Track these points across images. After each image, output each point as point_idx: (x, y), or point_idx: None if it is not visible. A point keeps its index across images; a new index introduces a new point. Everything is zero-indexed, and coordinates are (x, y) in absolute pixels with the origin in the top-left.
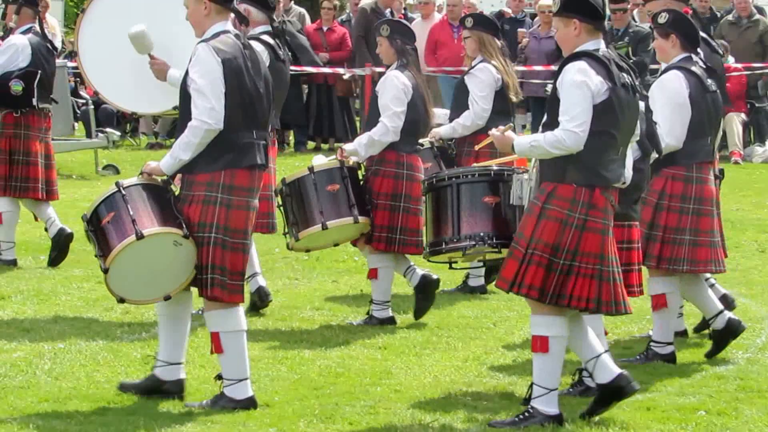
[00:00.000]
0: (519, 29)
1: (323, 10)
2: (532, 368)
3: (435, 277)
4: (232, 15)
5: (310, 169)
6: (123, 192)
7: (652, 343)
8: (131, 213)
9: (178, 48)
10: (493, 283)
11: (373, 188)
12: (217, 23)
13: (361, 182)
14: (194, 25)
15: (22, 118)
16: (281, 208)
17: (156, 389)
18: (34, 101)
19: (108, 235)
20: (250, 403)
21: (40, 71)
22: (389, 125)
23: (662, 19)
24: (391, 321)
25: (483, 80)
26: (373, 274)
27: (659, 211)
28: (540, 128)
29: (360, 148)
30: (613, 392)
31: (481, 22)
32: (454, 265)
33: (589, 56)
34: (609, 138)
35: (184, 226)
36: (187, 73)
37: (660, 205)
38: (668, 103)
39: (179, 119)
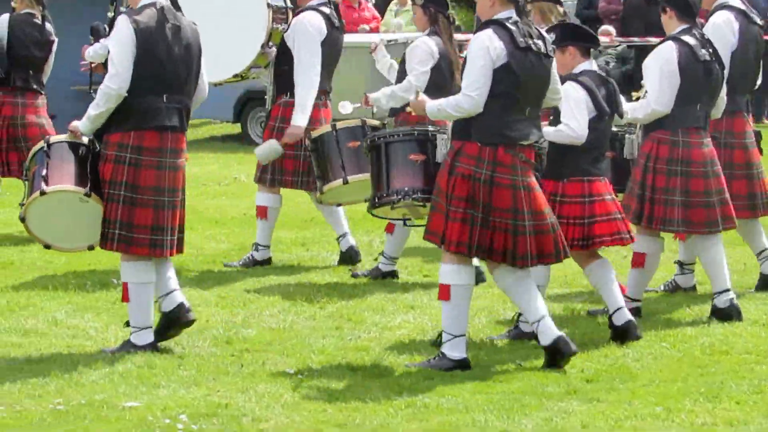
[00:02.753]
0: None
1: None
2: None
3: None
4: None
5: (333, 126)
6: (47, 149)
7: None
8: (47, 169)
9: (238, 19)
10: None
11: None
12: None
13: None
14: (130, 3)
15: None
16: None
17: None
18: None
19: (29, 187)
20: (151, 348)
21: None
22: (414, 82)
23: None
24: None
25: None
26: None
27: (647, 173)
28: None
29: (383, 98)
30: (554, 354)
31: None
32: (407, 222)
33: (497, 24)
34: (510, 99)
35: (89, 183)
36: None
37: (647, 167)
38: (658, 71)
39: None
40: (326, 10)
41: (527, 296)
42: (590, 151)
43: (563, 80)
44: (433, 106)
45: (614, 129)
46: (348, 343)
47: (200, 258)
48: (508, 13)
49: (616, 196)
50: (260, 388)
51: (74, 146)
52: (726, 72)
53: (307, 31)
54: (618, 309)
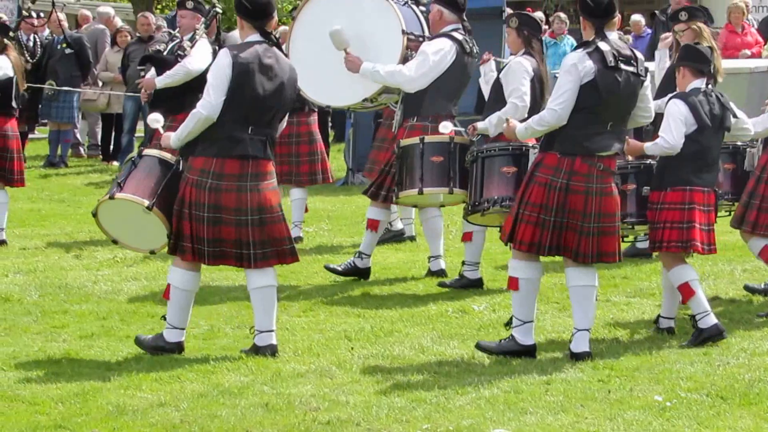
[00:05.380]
0: None
1: None
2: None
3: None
4: None
5: (421, 139)
6: (135, 159)
7: None
8: (126, 177)
9: (374, 45)
10: None
11: None
12: (250, 36)
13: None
14: (240, 37)
15: None
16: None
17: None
18: None
19: (109, 188)
20: (177, 348)
21: None
22: (519, 104)
23: None
24: (479, 283)
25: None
26: (467, 237)
27: (759, 183)
28: None
29: (491, 126)
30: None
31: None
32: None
33: (589, 44)
34: (592, 114)
35: (156, 198)
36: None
37: (761, 177)
38: None
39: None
40: (458, 36)
41: (586, 304)
42: (693, 162)
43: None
44: (522, 127)
45: (738, 143)
46: (716, 370)
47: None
48: (599, 36)
49: (733, 206)
50: (628, 415)
51: (162, 162)
52: None
53: (422, 51)
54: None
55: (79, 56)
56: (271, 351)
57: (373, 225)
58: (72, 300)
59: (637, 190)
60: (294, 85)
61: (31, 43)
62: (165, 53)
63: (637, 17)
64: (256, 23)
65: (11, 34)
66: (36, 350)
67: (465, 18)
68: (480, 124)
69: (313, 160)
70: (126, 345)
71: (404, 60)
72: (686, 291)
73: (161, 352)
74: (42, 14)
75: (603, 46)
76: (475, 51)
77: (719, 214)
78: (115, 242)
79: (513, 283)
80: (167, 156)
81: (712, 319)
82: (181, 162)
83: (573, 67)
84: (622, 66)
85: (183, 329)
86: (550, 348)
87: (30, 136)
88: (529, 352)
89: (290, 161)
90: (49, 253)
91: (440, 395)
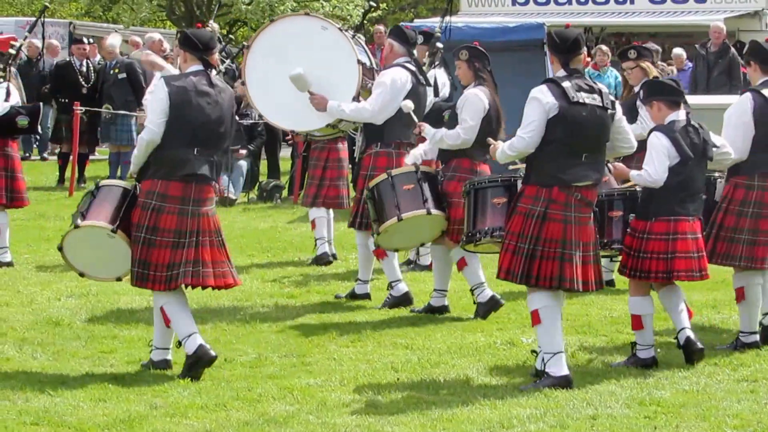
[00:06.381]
0: None
1: None
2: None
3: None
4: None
5: (388, 173)
6: (93, 191)
7: (740, 334)
8: (88, 207)
9: (330, 75)
10: None
11: (448, 190)
12: (192, 66)
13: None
14: (180, 67)
15: None
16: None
17: None
18: None
19: (72, 221)
20: (200, 351)
21: None
22: (462, 135)
23: (745, 49)
24: (495, 302)
25: None
26: (462, 264)
27: (718, 212)
28: None
29: (430, 139)
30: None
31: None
32: None
33: (552, 81)
34: (564, 146)
35: (119, 222)
36: None
37: (721, 207)
38: (735, 121)
39: None
40: (412, 67)
41: (555, 327)
42: (677, 193)
43: (653, 130)
44: (500, 150)
45: (707, 174)
46: (763, 408)
47: (609, 318)
48: (563, 72)
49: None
50: None
51: (118, 189)
52: None
53: (380, 82)
54: (681, 329)
55: (132, 81)
56: (166, 366)
57: (379, 254)
58: (122, 325)
59: (624, 217)
60: (232, 111)
61: (84, 68)
62: None
63: (678, 51)
64: (198, 54)
65: (11, 62)
66: (83, 375)
67: (414, 53)
68: (426, 130)
69: (346, 185)
70: (173, 371)
71: (359, 89)
72: (637, 323)
73: (197, 368)
74: (92, 39)
75: (565, 83)
76: (428, 81)
77: None
78: (82, 275)
79: (535, 317)
80: (123, 183)
81: (651, 353)
82: (137, 186)
83: (535, 100)
84: (586, 100)
85: (195, 332)
86: (597, 382)
87: (91, 157)
88: (564, 383)
89: (340, 185)
90: None
91: (485, 428)
